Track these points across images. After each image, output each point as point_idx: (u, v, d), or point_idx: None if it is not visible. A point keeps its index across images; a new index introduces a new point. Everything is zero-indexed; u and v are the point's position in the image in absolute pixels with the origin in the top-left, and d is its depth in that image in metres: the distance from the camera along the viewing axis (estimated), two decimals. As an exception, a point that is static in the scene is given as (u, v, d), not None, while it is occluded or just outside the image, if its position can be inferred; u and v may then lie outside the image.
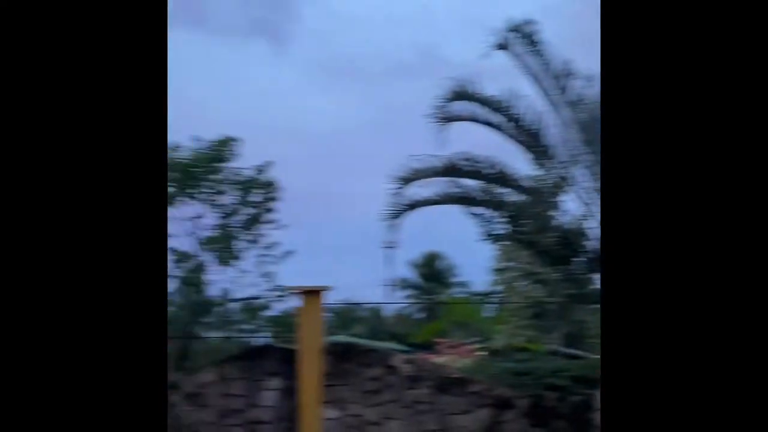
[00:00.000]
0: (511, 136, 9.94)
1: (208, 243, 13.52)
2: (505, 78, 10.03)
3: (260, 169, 13.99)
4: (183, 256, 13.39)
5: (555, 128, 9.48)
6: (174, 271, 13.34)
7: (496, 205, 10.00)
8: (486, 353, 12.18)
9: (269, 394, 7.31)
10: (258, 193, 13.98)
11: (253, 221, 13.95)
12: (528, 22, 9.59)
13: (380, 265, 10.15)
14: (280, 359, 7.37)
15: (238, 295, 13.80)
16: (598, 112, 5.34)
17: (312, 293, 7.29)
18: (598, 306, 3.20)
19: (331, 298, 7.57)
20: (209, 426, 7.24)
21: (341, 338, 13.14)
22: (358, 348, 8.39)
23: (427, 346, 13.55)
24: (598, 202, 7.38)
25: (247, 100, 28.11)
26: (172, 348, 12.98)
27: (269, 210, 14.03)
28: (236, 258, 13.62)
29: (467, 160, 9.93)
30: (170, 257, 13.36)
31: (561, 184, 9.55)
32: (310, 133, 28.99)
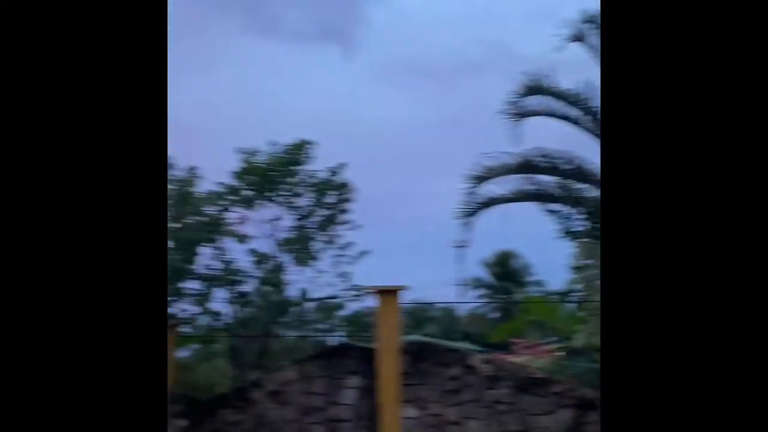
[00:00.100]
0: (588, 130, 9.69)
1: (285, 244, 13.84)
2: (581, 70, 9.79)
3: (335, 171, 14.22)
4: (262, 258, 13.75)
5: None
6: (254, 272, 13.73)
7: (574, 201, 9.77)
8: (564, 353, 11.89)
9: (349, 393, 7.39)
10: (333, 195, 14.22)
11: (329, 222, 14.19)
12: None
13: (454, 265, 10.10)
14: (359, 358, 7.44)
15: (315, 295, 14.06)
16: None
17: (389, 293, 7.33)
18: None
19: (405, 298, 7.58)
20: (291, 423, 7.39)
21: (416, 338, 13.13)
22: (435, 347, 8.37)
23: (503, 346, 13.35)
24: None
25: (321, 103, 28.54)
26: (253, 346, 13.37)
27: (344, 211, 14.25)
28: (313, 258, 13.89)
29: (543, 155, 9.74)
30: (250, 258, 13.74)
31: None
32: (383, 135, 29.19)
